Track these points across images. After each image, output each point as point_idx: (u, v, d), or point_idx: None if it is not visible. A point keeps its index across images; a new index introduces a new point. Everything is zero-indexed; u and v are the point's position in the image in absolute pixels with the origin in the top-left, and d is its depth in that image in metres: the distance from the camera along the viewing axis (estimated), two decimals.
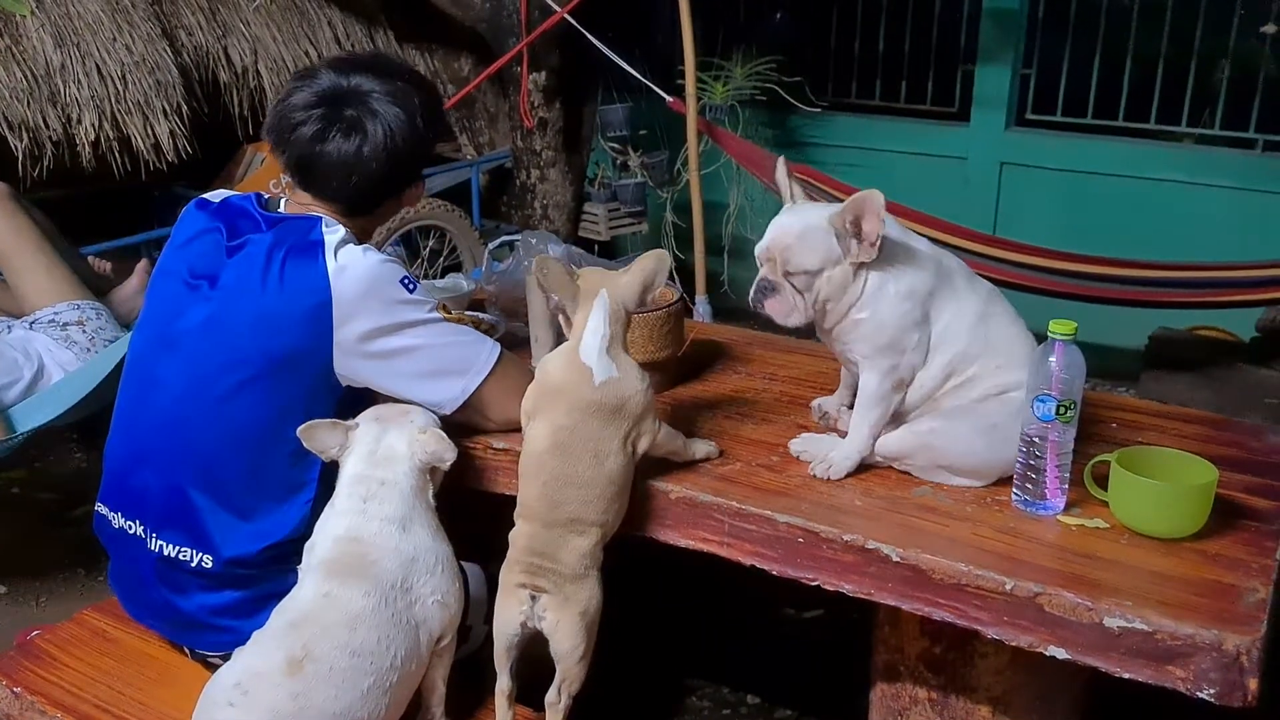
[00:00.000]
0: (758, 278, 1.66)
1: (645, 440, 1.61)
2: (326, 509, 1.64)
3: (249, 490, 1.70)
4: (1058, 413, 1.48)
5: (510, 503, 1.66)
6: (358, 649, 1.52)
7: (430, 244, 4.26)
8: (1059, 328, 1.48)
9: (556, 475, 1.57)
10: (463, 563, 1.71)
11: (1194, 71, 4.38)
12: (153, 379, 1.77)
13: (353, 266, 1.65)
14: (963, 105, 4.85)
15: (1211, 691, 1.28)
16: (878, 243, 1.56)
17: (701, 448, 1.70)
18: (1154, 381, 3.91)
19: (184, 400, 1.71)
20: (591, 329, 1.62)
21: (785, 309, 1.63)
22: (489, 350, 1.75)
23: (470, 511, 1.74)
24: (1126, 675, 1.34)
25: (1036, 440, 1.51)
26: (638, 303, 1.66)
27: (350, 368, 1.68)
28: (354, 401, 1.73)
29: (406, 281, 1.69)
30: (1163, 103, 4.45)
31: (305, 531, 1.69)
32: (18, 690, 1.79)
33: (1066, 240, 3.76)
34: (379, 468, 1.62)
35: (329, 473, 1.71)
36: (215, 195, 1.84)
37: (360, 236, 1.77)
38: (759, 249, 1.66)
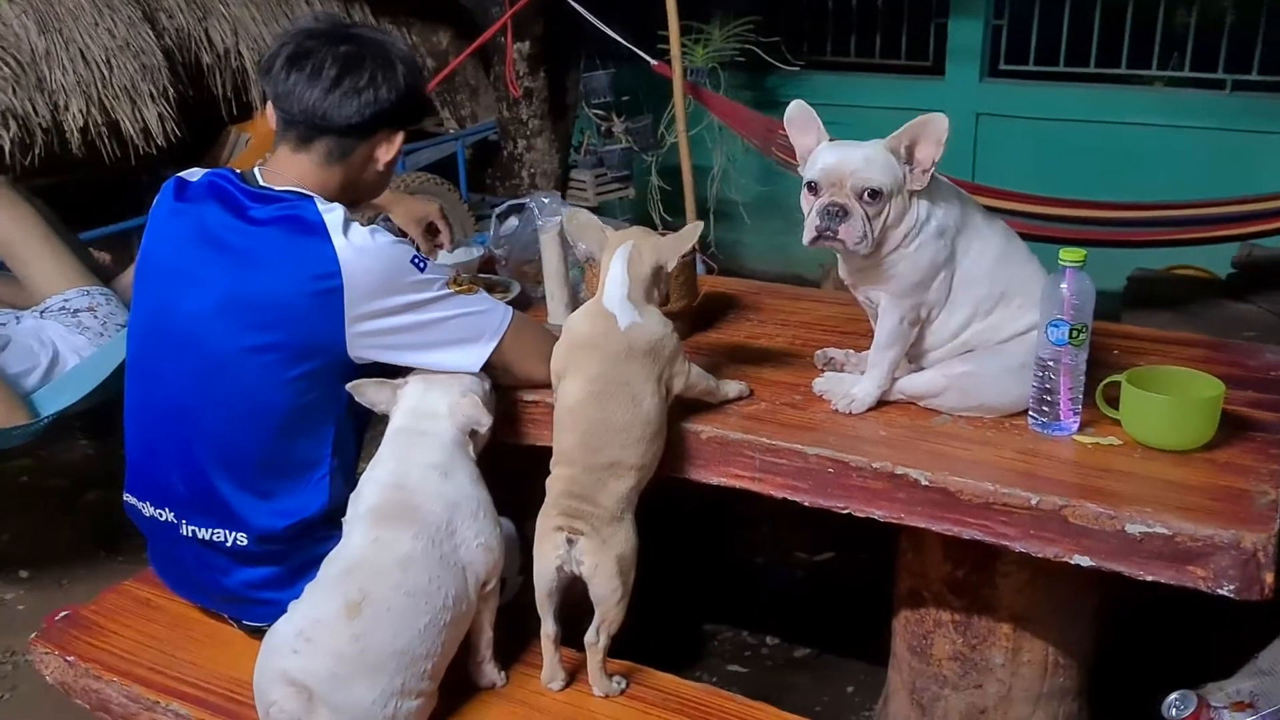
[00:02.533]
0: (821, 203, 1.62)
1: (679, 380, 1.67)
2: (371, 462, 1.69)
3: (265, 473, 1.72)
4: (1070, 337, 1.55)
5: (539, 457, 1.72)
6: (411, 589, 1.58)
7: None
8: (1069, 255, 1.55)
9: (595, 422, 1.62)
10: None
11: (1162, 16, 4.46)
12: (157, 371, 1.78)
13: (365, 250, 1.64)
14: (937, 59, 4.91)
15: (1231, 588, 1.37)
16: (930, 170, 1.59)
17: (734, 387, 1.77)
18: (1135, 321, 4.01)
19: (192, 391, 1.72)
20: (612, 279, 1.67)
21: (858, 233, 1.59)
22: (502, 315, 1.77)
23: (500, 469, 1.79)
24: (1149, 578, 1.42)
25: (1051, 364, 1.58)
26: (658, 259, 1.70)
27: (364, 348, 1.69)
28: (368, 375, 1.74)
29: (417, 261, 1.69)
30: (1132, 48, 4.53)
31: (328, 505, 1.74)
32: (71, 659, 1.83)
33: (1043, 187, 3.84)
34: (422, 420, 1.68)
35: (343, 446, 1.77)
36: (192, 174, 1.80)
37: (344, 199, 1.73)
38: (821, 172, 1.62)
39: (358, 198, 1.82)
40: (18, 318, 2.77)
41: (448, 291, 1.72)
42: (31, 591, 2.88)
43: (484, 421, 1.70)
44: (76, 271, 2.86)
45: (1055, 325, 1.56)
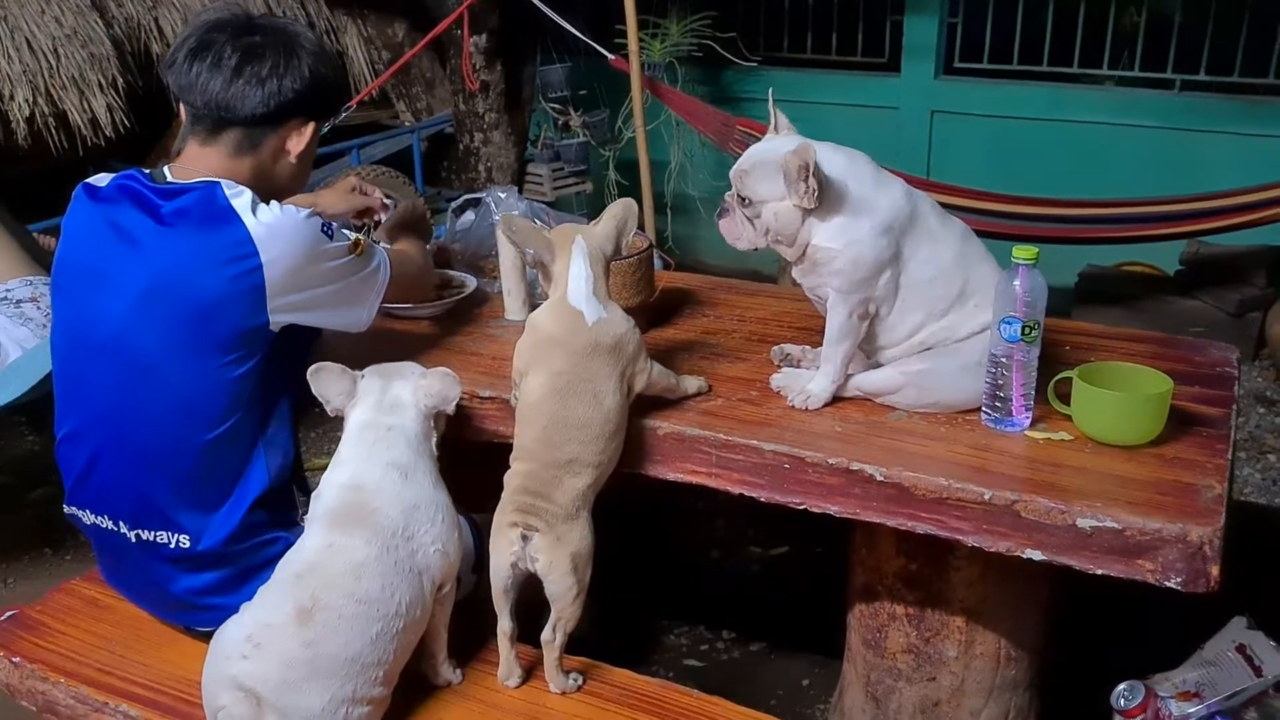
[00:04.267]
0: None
1: (641, 379, 1.67)
2: (332, 460, 1.67)
3: (201, 470, 1.69)
4: (1023, 334, 1.57)
5: (496, 452, 1.71)
6: (363, 597, 1.56)
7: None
8: (1021, 253, 1.57)
9: (556, 418, 1.62)
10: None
11: (1113, 16, 4.53)
12: (83, 378, 1.75)
13: (277, 227, 1.64)
14: (893, 56, 4.95)
15: (1178, 580, 1.39)
16: (811, 192, 1.60)
17: (692, 383, 1.77)
18: (1085, 317, 4.07)
19: (120, 395, 1.69)
20: (575, 274, 1.67)
21: (733, 232, 1.71)
22: (384, 267, 1.84)
23: (456, 464, 1.78)
24: (1099, 571, 1.44)
25: (1004, 361, 1.60)
26: (614, 249, 1.72)
27: (282, 318, 1.69)
28: (279, 363, 1.73)
29: (327, 230, 1.72)
30: (1084, 47, 4.60)
31: (267, 491, 1.72)
32: (16, 660, 1.80)
33: (996, 183, 3.89)
34: (386, 414, 1.66)
35: (278, 430, 1.75)
36: (100, 179, 1.77)
37: (259, 193, 1.70)
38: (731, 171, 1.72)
39: (274, 192, 1.78)
40: None
41: (352, 256, 1.76)
42: None
43: (451, 394, 1.69)
44: (20, 261, 2.80)
45: (1008, 322, 1.57)
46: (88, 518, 1.79)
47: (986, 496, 1.47)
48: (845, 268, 1.64)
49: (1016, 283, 1.56)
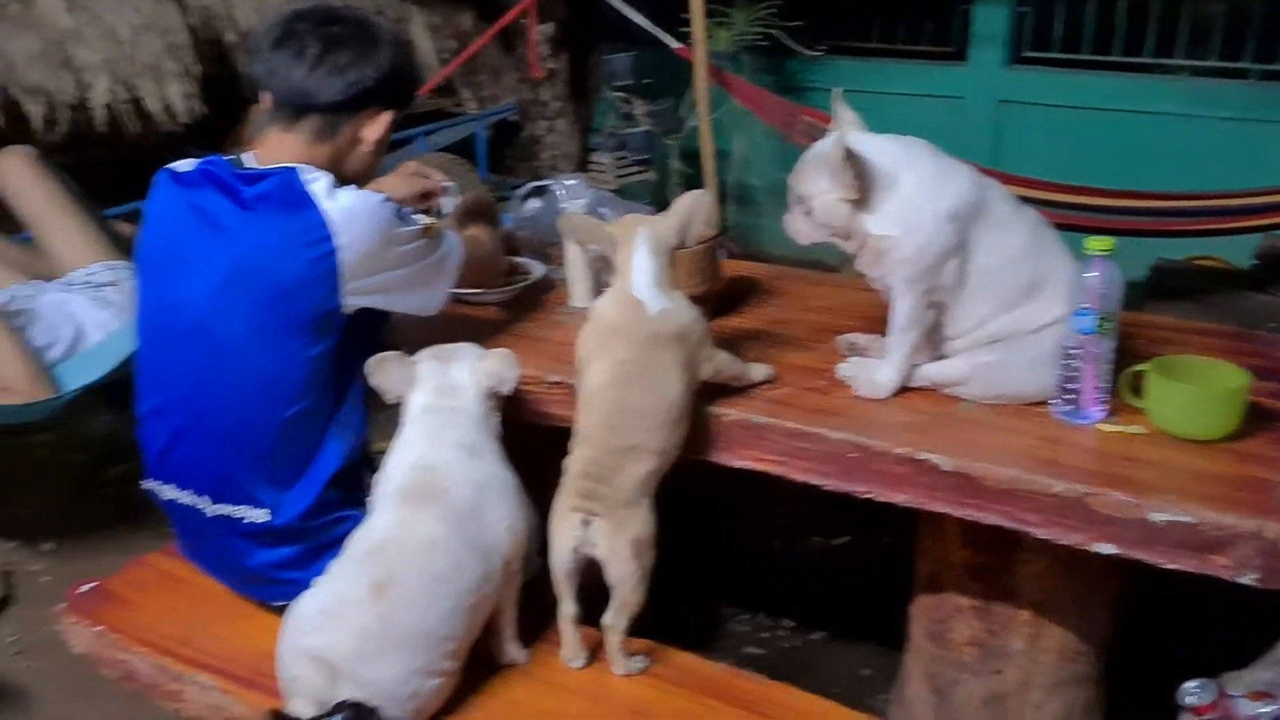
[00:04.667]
0: None
1: (706, 367, 1.68)
2: (394, 442, 1.71)
3: (279, 449, 1.74)
4: (1097, 326, 1.56)
5: (560, 438, 1.73)
6: (435, 573, 1.59)
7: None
8: (1097, 244, 1.55)
9: (617, 406, 1.63)
10: None
11: (1189, 4, 4.43)
12: (165, 361, 1.80)
13: (353, 211, 1.68)
14: (960, 45, 4.88)
15: (1255, 576, 1.37)
16: (851, 184, 1.61)
17: (760, 371, 1.78)
18: (1157, 311, 3.98)
19: (201, 376, 1.75)
20: (638, 265, 1.68)
21: (793, 227, 1.74)
22: (455, 251, 1.88)
23: (520, 449, 1.80)
24: (1171, 566, 1.42)
25: (1078, 353, 1.58)
26: (679, 241, 1.72)
27: (356, 301, 1.73)
28: (352, 346, 1.76)
29: (400, 214, 1.76)
30: (1158, 36, 4.50)
31: (341, 470, 1.76)
32: (98, 630, 1.86)
33: (1064, 175, 3.82)
34: (447, 397, 1.69)
35: (352, 411, 1.78)
36: (183, 165, 1.82)
37: (335, 174, 1.75)
38: None
39: (347, 179, 1.81)
40: (42, 290, 2.79)
41: (424, 241, 1.80)
42: (56, 564, 2.91)
43: (509, 376, 1.71)
44: (101, 245, 2.88)
45: (1082, 314, 1.56)
46: (167, 492, 1.84)
47: (1057, 489, 1.46)
48: (909, 256, 1.63)
49: (1092, 274, 1.55)
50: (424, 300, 1.86)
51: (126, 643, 1.83)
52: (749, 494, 2.94)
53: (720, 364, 1.70)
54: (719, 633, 2.55)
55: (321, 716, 1.36)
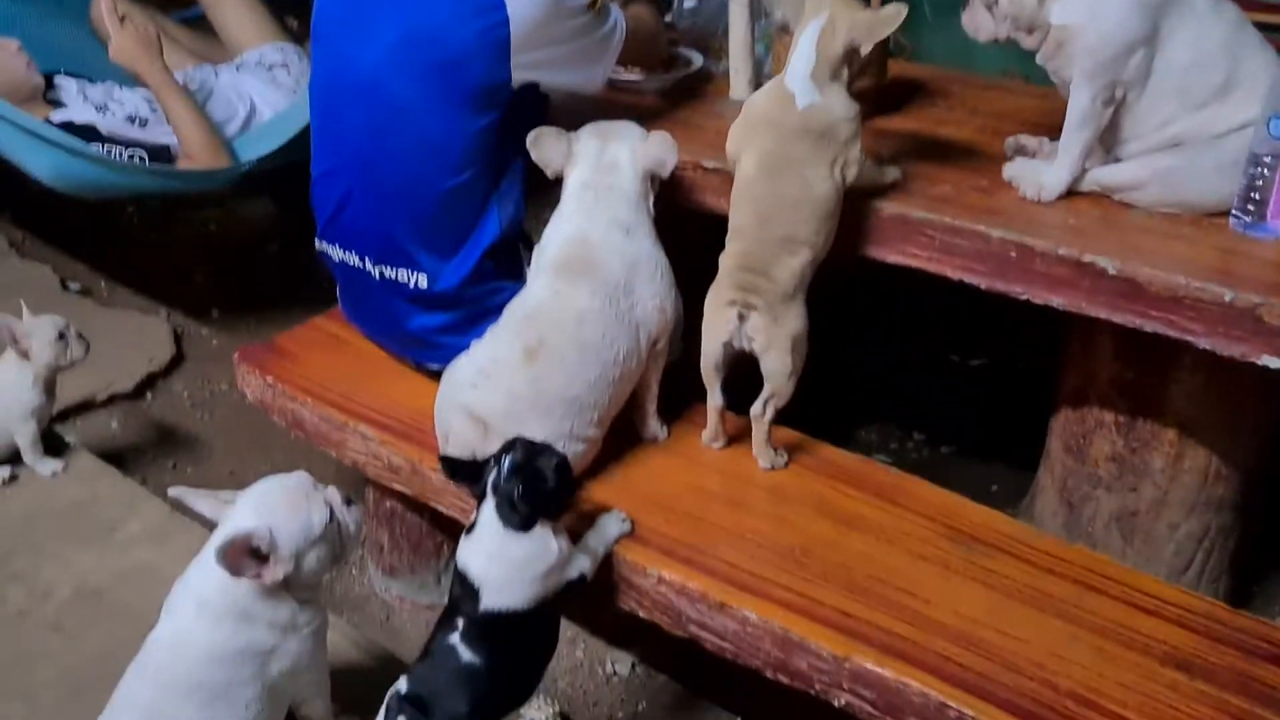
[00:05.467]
0: None
1: (853, 169, 1.63)
2: (554, 214, 1.74)
3: (439, 225, 1.79)
4: None
5: (711, 228, 1.73)
6: (585, 342, 1.65)
7: None
8: None
9: (766, 196, 1.62)
10: None
11: None
12: (338, 124, 1.85)
13: None
14: None
15: None
16: None
17: (893, 172, 1.74)
18: None
19: (372, 139, 1.78)
20: (799, 55, 1.63)
21: (973, 23, 1.68)
22: (620, 27, 1.87)
23: (669, 239, 1.81)
24: None
25: (1266, 161, 1.50)
26: (863, 38, 1.60)
27: (521, 76, 1.73)
28: (515, 123, 1.76)
29: None
30: None
31: (499, 241, 1.80)
32: (270, 379, 1.99)
33: None
34: (605, 174, 1.71)
35: (512, 184, 1.81)
36: None
37: None
38: None
39: None
40: (216, 72, 2.88)
41: (590, 15, 1.79)
42: (223, 330, 3.10)
43: (669, 160, 1.71)
44: (272, 28, 2.95)
45: (1279, 118, 1.47)
46: (336, 254, 1.92)
47: (1228, 298, 1.41)
48: (1092, 44, 1.55)
49: None
50: (588, 75, 1.86)
51: (294, 393, 1.95)
52: (888, 311, 2.93)
53: (866, 170, 1.66)
54: (849, 439, 2.58)
55: (495, 454, 1.45)
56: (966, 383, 2.79)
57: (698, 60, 2.20)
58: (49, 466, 2.13)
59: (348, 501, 1.44)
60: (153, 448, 2.59)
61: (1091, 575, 1.51)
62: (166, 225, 3.65)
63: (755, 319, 1.64)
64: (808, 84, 1.62)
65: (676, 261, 1.77)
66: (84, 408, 2.68)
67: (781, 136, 1.63)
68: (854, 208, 1.69)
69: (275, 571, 1.34)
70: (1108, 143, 1.67)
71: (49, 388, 2.10)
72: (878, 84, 1.98)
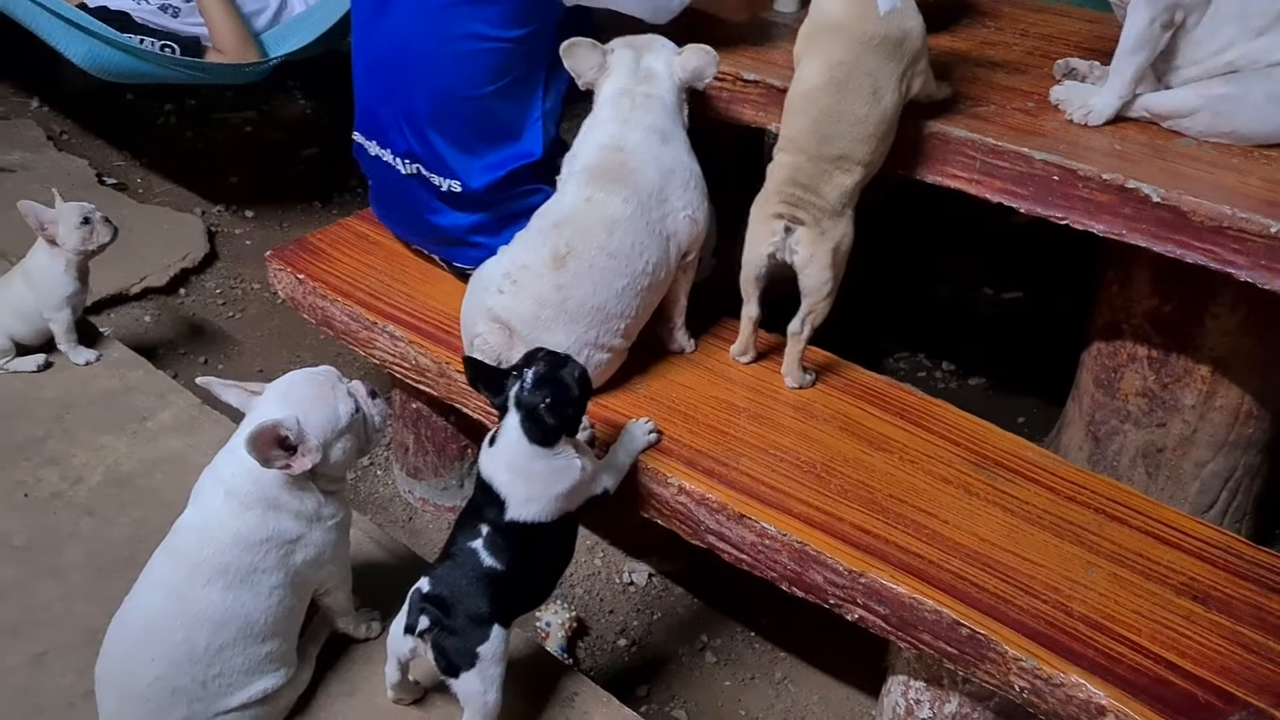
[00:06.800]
0: None
1: (919, 81, 1.59)
2: (587, 122, 1.72)
3: (476, 128, 1.77)
4: None
5: (748, 140, 1.70)
6: (614, 251, 1.63)
7: None
8: None
9: (829, 111, 1.56)
10: None
11: None
12: (380, 19, 1.82)
13: None
14: None
15: None
16: None
17: (945, 89, 1.70)
18: None
19: (410, 41, 1.76)
20: None
21: None
22: None
23: (705, 151, 1.79)
24: None
25: None
26: None
27: None
28: (558, 38, 1.72)
29: None
30: None
31: (539, 157, 1.79)
32: (300, 277, 1.99)
33: None
34: (642, 83, 1.68)
35: (552, 97, 1.79)
36: None
37: None
38: None
39: None
40: None
41: None
42: (256, 230, 3.11)
43: (709, 72, 1.69)
44: None
45: None
46: (372, 149, 1.91)
47: (1273, 229, 1.38)
48: None
49: None
50: (658, 4, 1.78)
51: (325, 291, 1.96)
52: (922, 237, 2.89)
53: (925, 82, 1.62)
54: (878, 367, 2.55)
55: (514, 366, 1.44)
56: (999, 315, 2.76)
57: None
58: (83, 355, 2.15)
59: (373, 394, 1.45)
60: (184, 342, 2.62)
61: (1113, 505, 1.50)
62: (204, 125, 3.64)
63: (801, 232, 1.61)
64: None
65: (710, 176, 1.75)
66: (117, 300, 2.71)
67: (856, 44, 1.55)
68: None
69: (303, 461, 1.35)
70: (1160, 70, 1.63)
71: (82, 275, 2.11)
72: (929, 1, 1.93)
